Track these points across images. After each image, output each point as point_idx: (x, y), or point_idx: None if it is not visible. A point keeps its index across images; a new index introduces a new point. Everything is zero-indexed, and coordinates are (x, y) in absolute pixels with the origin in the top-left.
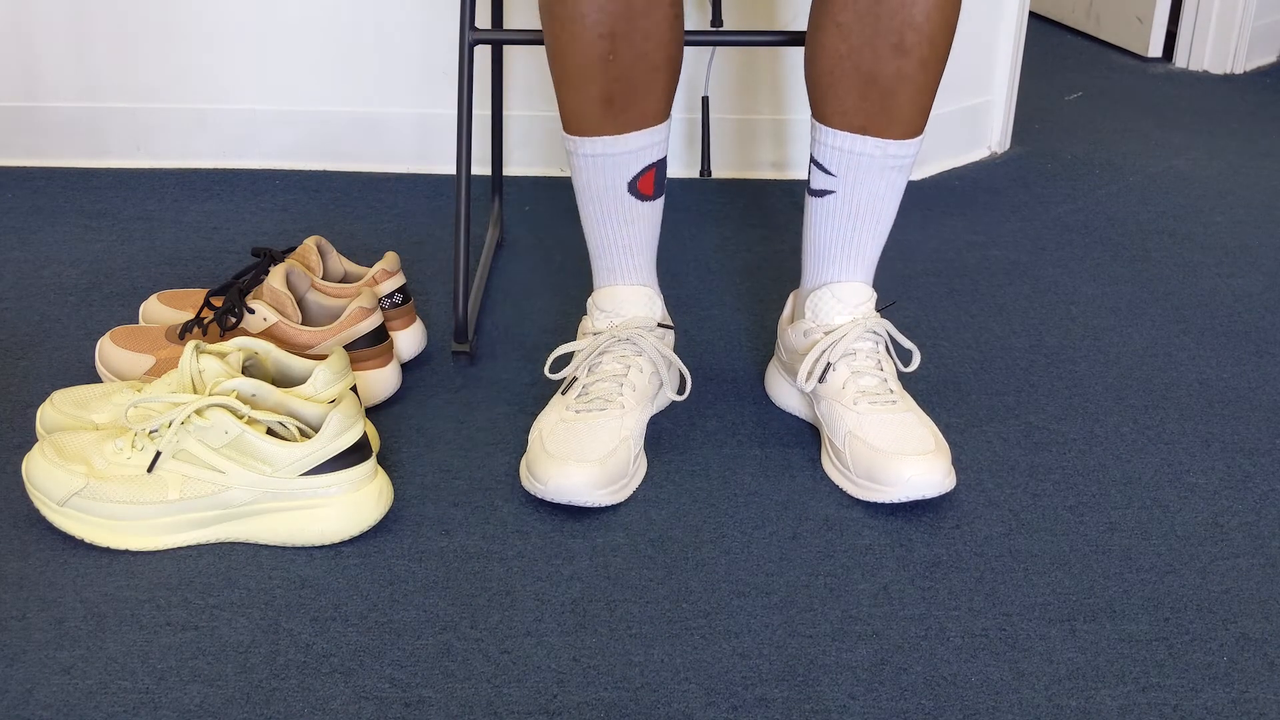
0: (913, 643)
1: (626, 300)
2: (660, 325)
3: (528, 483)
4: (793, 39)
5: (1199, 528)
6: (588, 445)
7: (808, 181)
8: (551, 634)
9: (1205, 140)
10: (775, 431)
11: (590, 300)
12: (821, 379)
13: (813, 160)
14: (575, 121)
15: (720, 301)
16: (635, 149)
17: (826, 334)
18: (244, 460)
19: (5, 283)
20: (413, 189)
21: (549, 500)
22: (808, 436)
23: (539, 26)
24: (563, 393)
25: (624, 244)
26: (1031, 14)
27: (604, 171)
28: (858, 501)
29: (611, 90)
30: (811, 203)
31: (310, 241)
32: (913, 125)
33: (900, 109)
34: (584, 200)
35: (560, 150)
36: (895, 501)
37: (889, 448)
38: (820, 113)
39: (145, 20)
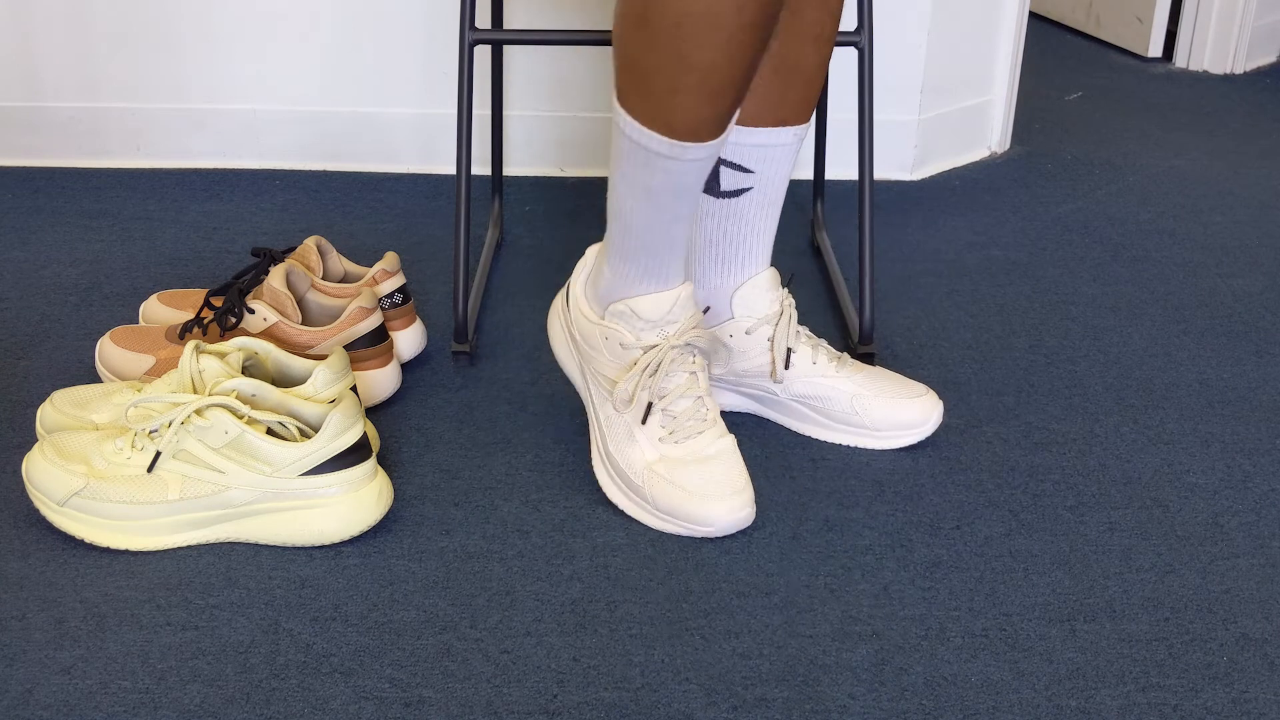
0: (913, 643)
1: (681, 303)
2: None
3: (672, 525)
4: None
5: (1199, 528)
6: (728, 472)
7: (712, 187)
8: (551, 634)
9: (1205, 140)
10: (775, 432)
11: (622, 307)
12: (787, 365)
13: (723, 163)
14: (699, 128)
15: None
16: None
17: (771, 325)
18: (244, 460)
19: (5, 283)
20: (413, 189)
21: (714, 537)
22: (807, 438)
23: (539, 26)
24: (642, 422)
25: (683, 243)
26: (1031, 14)
27: (700, 173)
28: (858, 502)
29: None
30: (722, 205)
31: (310, 241)
32: (815, 105)
33: (815, 94)
34: (661, 203)
35: (560, 150)
36: (924, 439)
37: (899, 394)
38: (740, 115)
39: (145, 20)
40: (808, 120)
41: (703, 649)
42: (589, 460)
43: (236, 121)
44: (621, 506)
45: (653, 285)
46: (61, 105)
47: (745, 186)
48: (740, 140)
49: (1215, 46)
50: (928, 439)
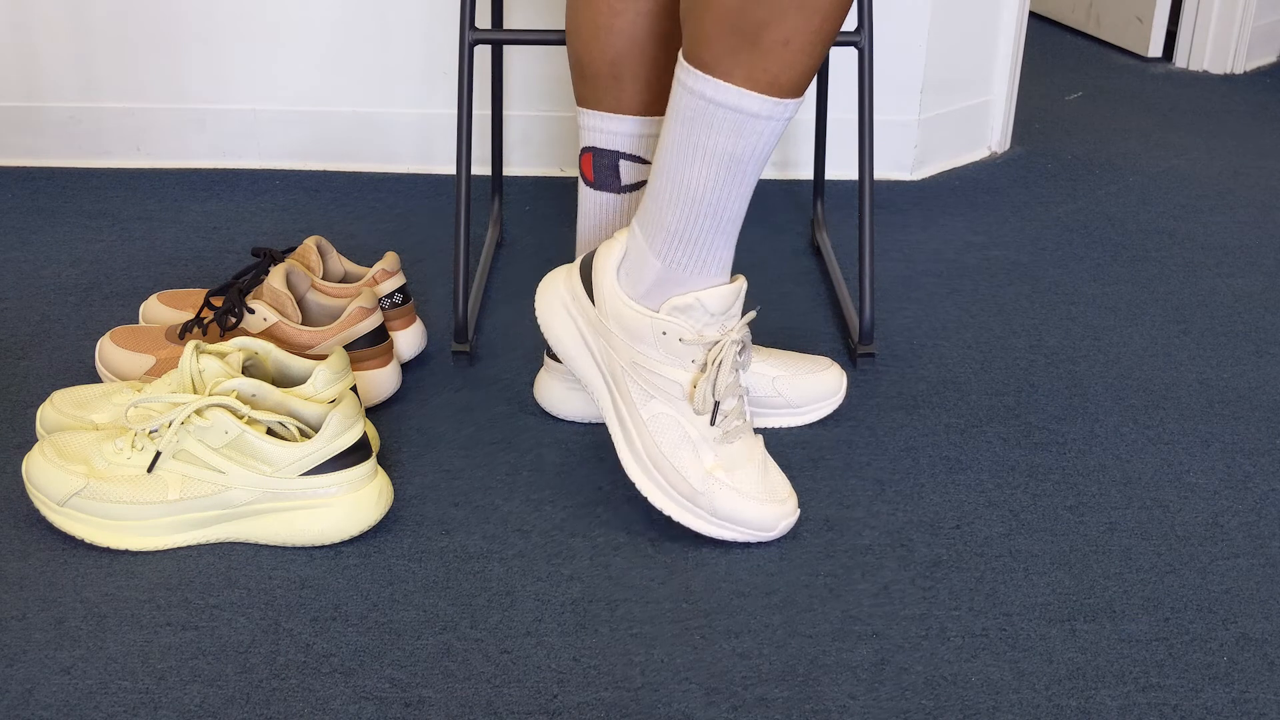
0: (913, 643)
1: (740, 294)
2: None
3: (729, 532)
4: None
5: (1199, 528)
6: (776, 475)
7: (611, 183)
8: (551, 634)
9: (1205, 140)
10: (774, 431)
11: (689, 299)
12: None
13: (622, 157)
14: (801, 80)
15: None
16: None
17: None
18: (244, 460)
19: (5, 283)
20: (413, 189)
21: (771, 540)
22: (806, 438)
23: (539, 26)
24: (711, 423)
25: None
26: (1031, 14)
27: (782, 133)
28: (859, 501)
29: None
30: (623, 200)
31: (310, 241)
32: None
33: None
34: (743, 173)
35: (560, 150)
36: (836, 409)
37: (811, 369)
38: (642, 107)
39: (145, 20)
40: None
41: (703, 649)
42: (602, 459)
43: (236, 121)
44: (669, 513)
45: (716, 275)
46: (61, 105)
47: (645, 179)
48: (642, 132)
49: (1215, 46)
50: (924, 439)
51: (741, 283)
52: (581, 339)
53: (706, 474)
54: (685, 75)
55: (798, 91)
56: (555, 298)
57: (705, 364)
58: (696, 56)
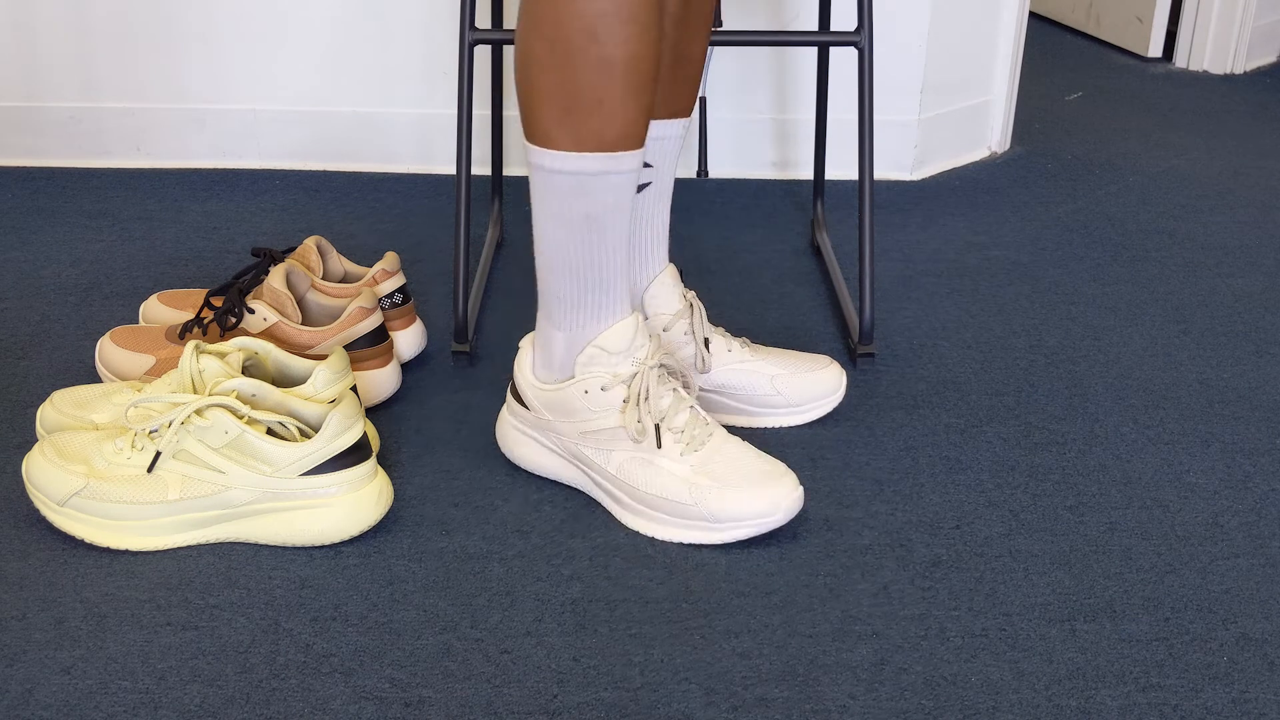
0: (913, 643)
1: (640, 328)
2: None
3: (737, 531)
4: (795, 39)
5: (1199, 528)
6: (762, 459)
7: None
8: (551, 634)
9: (1205, 140)
10: (774, 432)
11: (590, 350)
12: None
13: None
14: (629, 131)
15: (719, 301)
16: None
17: (685, 319)
18: (244, 460)
19: (5, 283)
20: (413, 189)
21: (779, 526)
22: (805, 437)
23: None
24: (658, 446)
25: (626, 267)
26: (1031, 14)
27: (634, 184)
28: (858, 501)
29: None
30: None
31: (310, 241)
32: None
33: (699, 84)
34: (606, 226)
35: None
36: (835, 407)
37: (811, 368)
38: None
39: (145, 20)
40: (692, 112)
41: (703, 649)
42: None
43: (236, 121)
44: (678, 539)
45: (610, 318)
46: (61, 105)
47: (646, 182)
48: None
49: (1215, 46)
50: (924, 439)
51: (635, 316)
52: (542, 446)
53: (689, 485)
54: (528, 153)
55: (628, 144)
56: (506, 426)
57: (629, 398)
58: (532, 133)
